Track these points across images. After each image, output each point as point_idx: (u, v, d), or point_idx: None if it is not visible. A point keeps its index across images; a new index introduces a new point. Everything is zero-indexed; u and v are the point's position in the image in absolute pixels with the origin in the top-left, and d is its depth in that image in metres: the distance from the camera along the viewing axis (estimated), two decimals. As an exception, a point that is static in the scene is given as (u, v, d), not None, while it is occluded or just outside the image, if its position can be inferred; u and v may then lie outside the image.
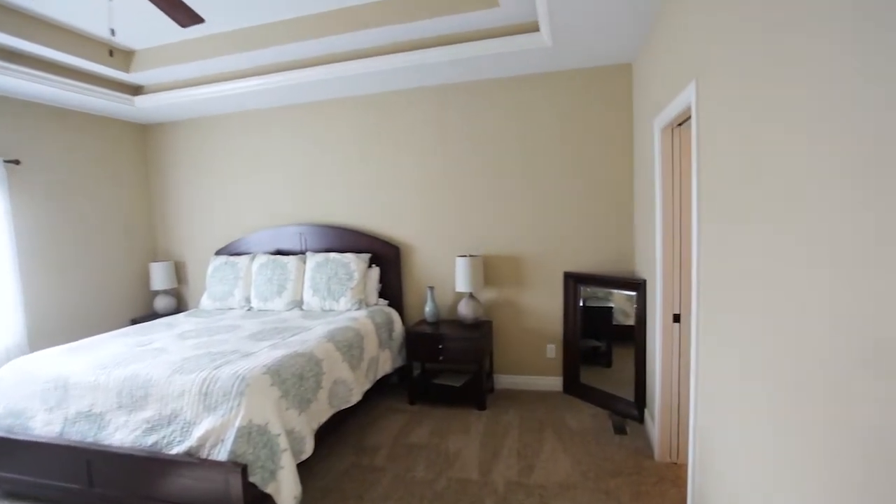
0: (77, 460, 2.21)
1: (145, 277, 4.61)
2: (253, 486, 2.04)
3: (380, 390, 3.70)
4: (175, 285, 4.56)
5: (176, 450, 2.12)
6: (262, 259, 4.03)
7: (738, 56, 1.39)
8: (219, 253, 4.43)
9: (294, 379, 2.40)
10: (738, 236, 1.43)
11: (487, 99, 3.68)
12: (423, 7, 2.86)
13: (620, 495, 2.35)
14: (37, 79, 3.24)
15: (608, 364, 3.68)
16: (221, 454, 2.05)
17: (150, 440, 2.17)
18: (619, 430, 3.01)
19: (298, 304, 3.84)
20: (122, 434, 2.22)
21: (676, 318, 2.51)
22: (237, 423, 2.07)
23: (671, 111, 2.17)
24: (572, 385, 3.64)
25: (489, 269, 3.79)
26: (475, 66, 3.34)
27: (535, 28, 2.94)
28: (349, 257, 3.82)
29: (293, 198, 4.26)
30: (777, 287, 1.18)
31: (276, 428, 2.15)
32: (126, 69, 3.54)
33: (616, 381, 3.43)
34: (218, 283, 4.06)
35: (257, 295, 3.90)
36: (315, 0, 2.92)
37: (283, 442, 2.14)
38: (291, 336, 2.96)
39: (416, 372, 3.89)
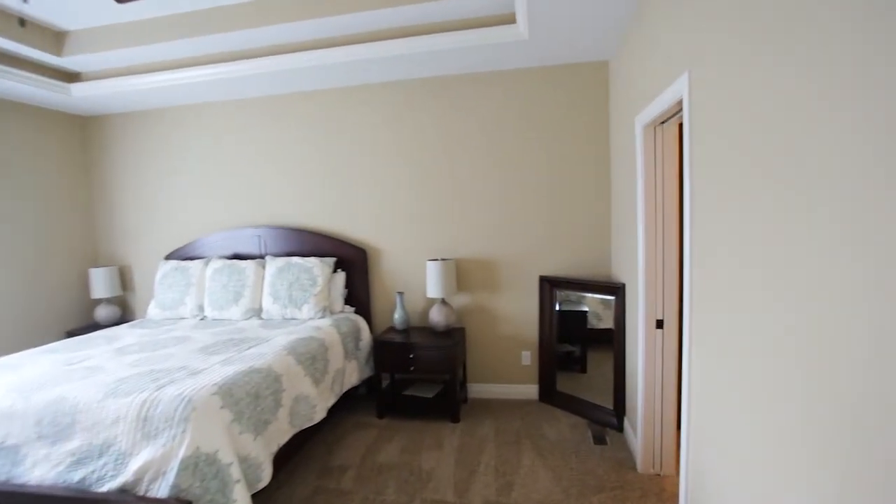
0: (-14, 502, 1.89)
1: (85, 284, 4.18)
2: (200, 524, 1.78)
3: (346, 404, 3.47)
4: (119, 293, 4.16)
5: (108, 486, 1.83)
6: (216, 264, 3.71)
7: (738, 44, 1.27)
8: (169, 257, 4.08)
9: (249, 398, 2.14)
10: (737, 237, 1.31)
11: (460, 95, 3.52)
12: (393, -7, 2.67)
13: (605, 513, 2.22)
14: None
15: (583, 370, 3.57)
16: (162, 490, 1.78)
17: (76, 476, 1.87)
18: (599, 441, 2.90)
19: (257, 312, 3.55)
20: (41, 470, 1.90)
21: (659, 324, 2.41)
22: (181, 453, 1.80)
23: (657, 107, 2.06)
24: (549, 393, 3.51)
25: (462, 274, 3.62)
26: (448, 59, 3.17)
27: (510, 20, 2.80)
28: (312, 261, 3.57)
29: (251, 198, 3.96)
30: (781, 290, 1.09)
31: (227, 456, 1.89)
32: (57, 52, 3.17)
33: (592, 387, 3.33)
34: (167, 290, 3.72)
35: (211, 303, 3.59)
36: (273, -19, 2.68)
37: (235, 472, 1.89)
38: (248, 349, 2.69)
39: (386, 383, 3.67)
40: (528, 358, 3.60)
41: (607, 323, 3.29)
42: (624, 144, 2.86)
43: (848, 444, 0.86)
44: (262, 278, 3.62)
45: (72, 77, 3.55)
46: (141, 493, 1.81)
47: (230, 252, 3.94)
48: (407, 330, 3.55)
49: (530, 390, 3.60)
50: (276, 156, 3.87)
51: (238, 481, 1.89)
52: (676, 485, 2.41)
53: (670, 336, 2.41)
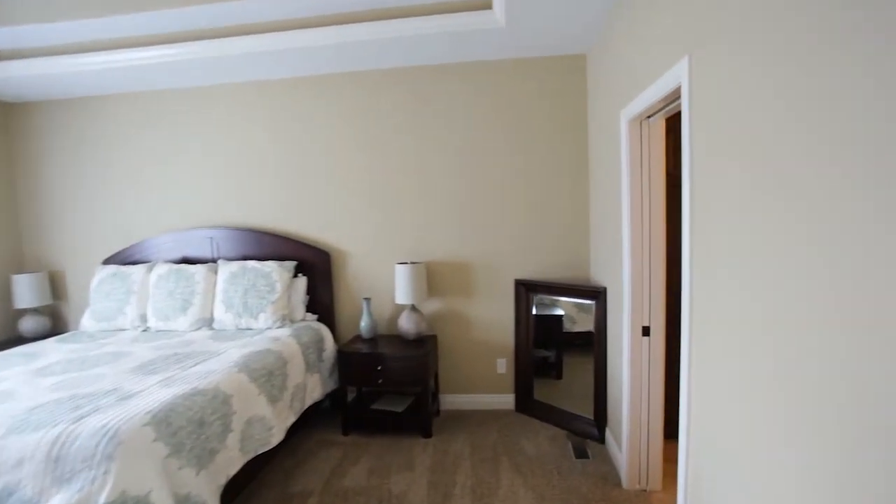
0: None
1: (7, 292, 3.71)
2: (125, 584, 1.48)
3: (308, 419, 3.18)
4: (49, 301, 3.71)
5: (10, 542, 1.51)
6: (161, 269, 3.35)
7: (750, 22, 1.11)
8: (109, 261, 3.67)
9: (191, 427, 1.85)
10: (745, 238, 1.16)
11: (431, 88, 3.30)
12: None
13: (592, 538, 2.05)
14: None
15: (559, 376, 3.42)
16: (79, 544, 1.48)
17: (-31, 530, 1.54)
18: (581, 454, 2.74)
19: (207, 322, 3.21)
20: (-76, 525, 1.56)
21: (646, 332, 2.27)
22: (102, 499, 1.50)
23: (645, 99, 1.91)
24: (525, 403, 3.33)
25: (433, 278, 3.40)
26: (418, 47, 2.95)
27: (486, 5, 2.61)
28: (270, 266, 3.27)
29: (203, 196, 3.61)
30: (792, 297, 1.01)
31: (162, 498, 1.60)
32: (-33, 26, 2.76)
33: (570, 394, 3.18)
34: (104, 299, 3.32)
35: (155, 312, 3.22)
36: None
37: (172, 516, 1.60)
38: (194, 365, 2.38)
39: (352, 396, 3.40)
40: (504, 366, 3.41)
41: (582, 326, 3.16)
42: (604, 141, 2.72)
43: (853, 449, 0.85)
44: (214, 284, 3.29)
45: (-12, 57, 3.12)
46: (51, 549, 1.50)
47: (179, 255, 3.58)
48: (374, 339, 3.30)
49: (506, 400, 3.42)
50: (231, 150, 3.54)
51: (175, 527, 1.60)
52: (664, 501, 2.27)
53: (657, 344, 2.27)
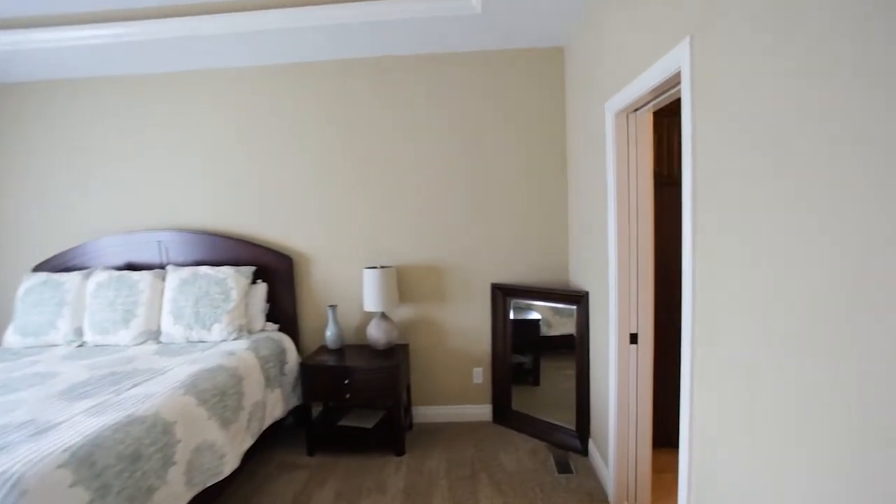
0: None
1: (-81, 305, 3.27)
2: None
3: (268, 440, 2.91)
4: (-31, 314, 3.29)
5: None
6: (100, 276, 3.00)
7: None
8: (40, 268, 3.28)
9: (122, 464, 1.58)
10: (753, 237, 1.01)
11: (400, 80, 3.09)
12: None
13: (581, 565, 1.89)
14: None
15: (535, 382, 3.27)
16: None
17: None
18: (564, 469, 2.58)
19: (154, 335, 2.89)
20: None
21: (633, 339, 2.13)
22: (1, 564, 1.22)
23: (635, 89, 1.77)
24: (503, 413, 3.16)
25: (404, 283, 3.19)
26: (389, 34, 2.74)
27: (461, -10, 2.43)
28: (226, 272, 2.98)
29: (151, 195, 3.27)
30: (811, 305, 0.85)
31: (81, 555, 1.33)
32: None
33: (548, 402, 3.03)
34: (32, 311, 2.95)
35: (93, 325, 2.88)
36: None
37: (93, 576, 1.34)
38: (132, 387, 2.08)
39: (318, 412, 3.15)
40: (480, 375, 3.23)
41: (558, 330, 3.03)
42: (585, 137, 2.58)
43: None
44: (162, 293, 2.97)
45: None
46: None
47: (122, 261, 3.23)
48: (342, 349, 3.06)
49: (483, 411, 3.24)
50: (184, 144, 3.22)
51: (97, 590, 1.33)
52: (653, 519, 2.14)
53: (645, 352, 2.13)
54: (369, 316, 3.18)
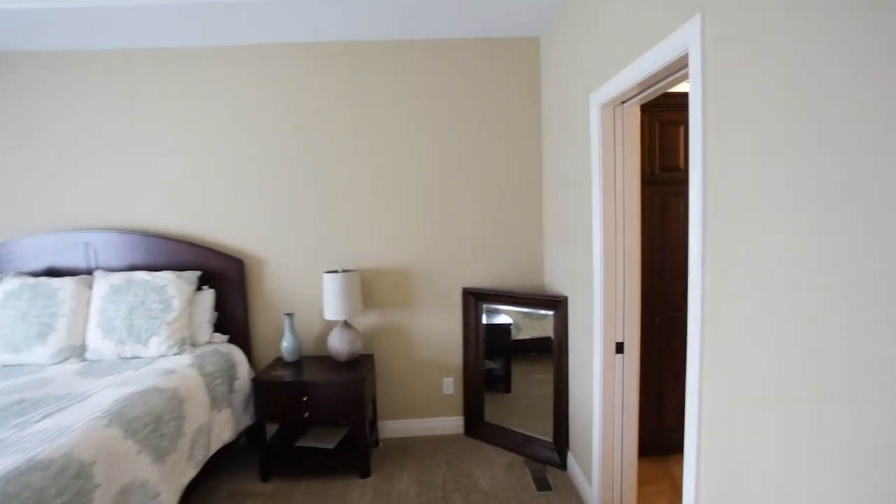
0: None
1: None
2: None
3: (216, 466, 2.60)
4: None
5: None
6: (12, 283, 2.58)
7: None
8: (-61, 275, 2.80)
9: (18, 523, 1.27)
10: (766, 237, 0.86)
11: (364, 66, 2.83)
12: None
13: None
14: None
15: (507, 389, 3.11)
16: None
17: None
18: (542, 485, 2.42)
19: (77, 351, 2.51)
20: None
21: (620, 348, 1.99)
22: None
23: (628, 78, 1.61)
24: (476, 425, 2.98)
25: (368, 288, 2.94)
26: (348, 15, 2.48)
27: (431, -33, 2.21)
28: (166, 277, 2.63)
29: (76, 188, 2.86)
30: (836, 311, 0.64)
31: None
32: None
33: (521, 411, 2.88)
34: (-75, 326, 2.50)
35: (1, 341, 2.47)
36: None
37: None
38: (41, 419, 1.74)
39: (273, 432, 2.85)
40: (451, 386, 3.03)
41: (528, 333, 2.90)
42: (564, 132, 2.42)
43: None
44: (88, 302, 2.59)
45: None
46: None
47: (42, 265, 2.82)
48: (299, 362, 2.78)
49: (454, 423, 3.04)
50: (115, 133, 2.83)
51: None
52: (640, 540, 2.00)
53: (631, 362, 1.99)
54: (330, 325, 2.92)
